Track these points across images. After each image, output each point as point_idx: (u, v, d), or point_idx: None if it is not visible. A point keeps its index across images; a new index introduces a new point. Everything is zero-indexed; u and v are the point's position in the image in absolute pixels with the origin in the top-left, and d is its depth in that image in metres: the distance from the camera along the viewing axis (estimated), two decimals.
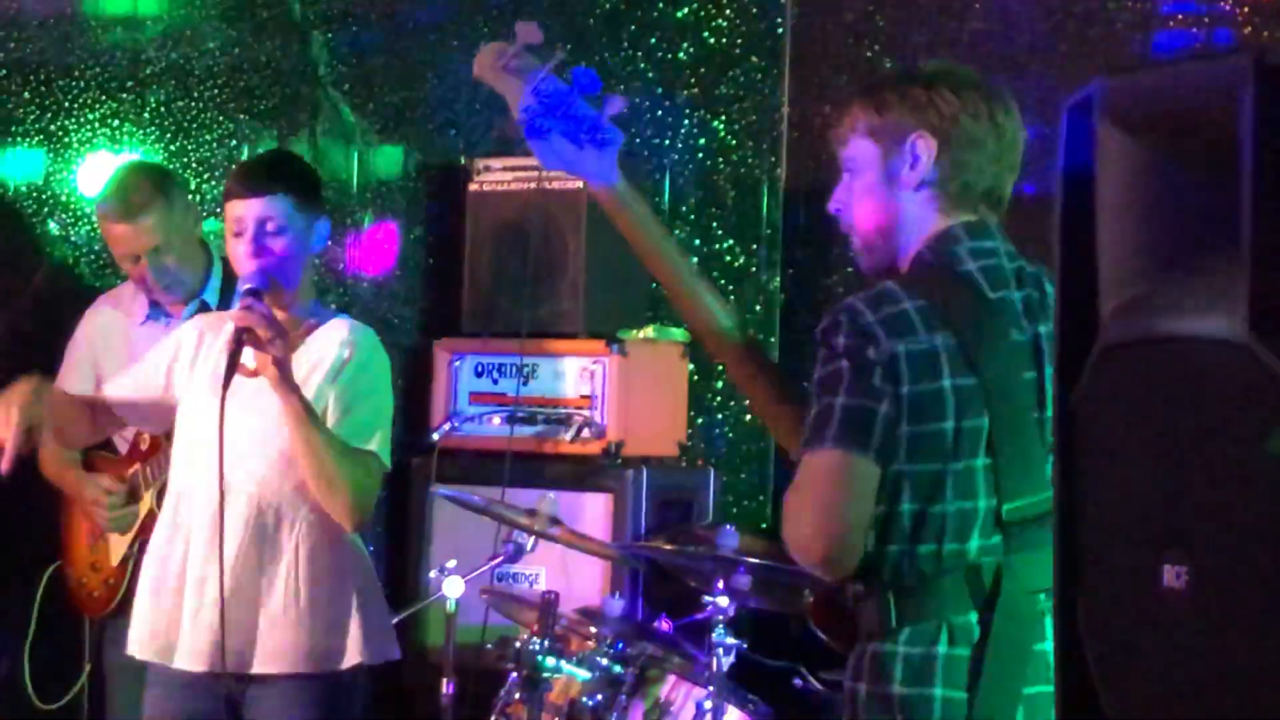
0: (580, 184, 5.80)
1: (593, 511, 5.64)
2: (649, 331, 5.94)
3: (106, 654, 4.96)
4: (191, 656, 4.15)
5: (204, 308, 4.84)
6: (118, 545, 4.90)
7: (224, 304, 4.83)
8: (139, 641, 4.24)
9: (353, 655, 4.19)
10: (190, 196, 5.60)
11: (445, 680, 4.79)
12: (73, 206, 5.81)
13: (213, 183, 5.99)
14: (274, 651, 4.15)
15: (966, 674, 3.02)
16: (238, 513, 4.15)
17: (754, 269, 6.48)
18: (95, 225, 5.78)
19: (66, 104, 5.80)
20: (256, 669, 4.15)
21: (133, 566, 4.81)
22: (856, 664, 3.13)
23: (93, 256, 5.84)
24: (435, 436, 5.72)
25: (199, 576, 4.16)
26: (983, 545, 3.05)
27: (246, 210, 4.15)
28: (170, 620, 4.18)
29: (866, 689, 3.09)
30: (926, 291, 3.08)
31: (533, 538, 4.99)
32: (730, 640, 4.52)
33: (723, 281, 6.45)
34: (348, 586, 4.21)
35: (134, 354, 4.85)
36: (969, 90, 3.18)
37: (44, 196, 5.80)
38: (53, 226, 5.82)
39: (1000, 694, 3.01)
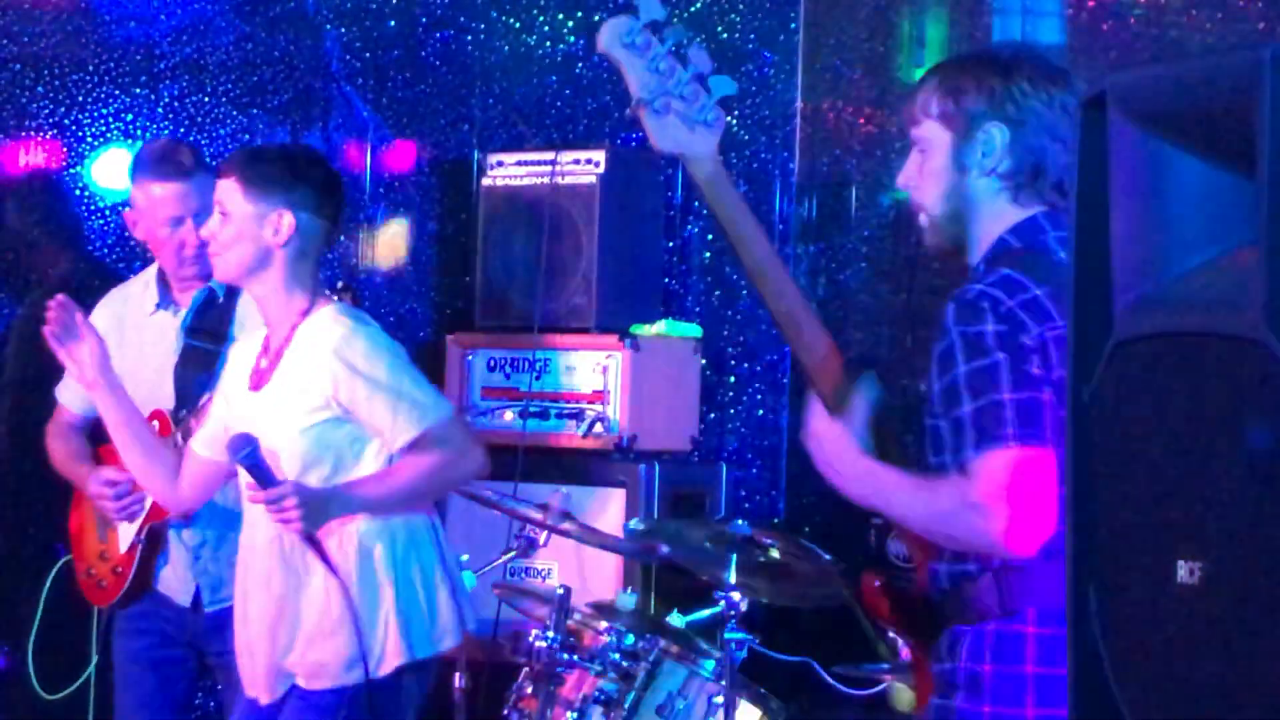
0: (593, 179, 5.81)
1: (605, 506, 5.64)
2: (661, 326, 5.94)
3: (115, 644, 4.95)
4: (252, 687, 4.26)
5: (210, 296, 4.82)
6: (125, 532, 4.89)
7: (230, 294, 4.81)
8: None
9: (391, 659, 4.15)
10: None
11: (457, 674, 4.79)
12: (86, 201, 5.81)
13: None
14: (312, 669, 4.15)
15: None
16: (266, 536, 4.16)
17: None
18: (108, 219, 5.80)
19: (80, 98, 5.80)
20: (301, 686, 4.18)
21: (141, 553, 4.79)
22: (974, 644, 3.10)
23: (105, 249, 5.84)
24: None
25: (244, 608, 4.26)
26: None
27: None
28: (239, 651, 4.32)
29: (994, 669, 3.07)
30: (1045, 278, 3.05)
31: (545, 532, 4.99)
32: (742, 635, 4.52)
33: (735, 276, 6.45)
34: (379, 595, 4.15)
35: (143, 346, 4.84)
36: (1045, 78, 3.17)
37: (57, 191, 5.81)
38: (66, 221, 5.82)
39: None
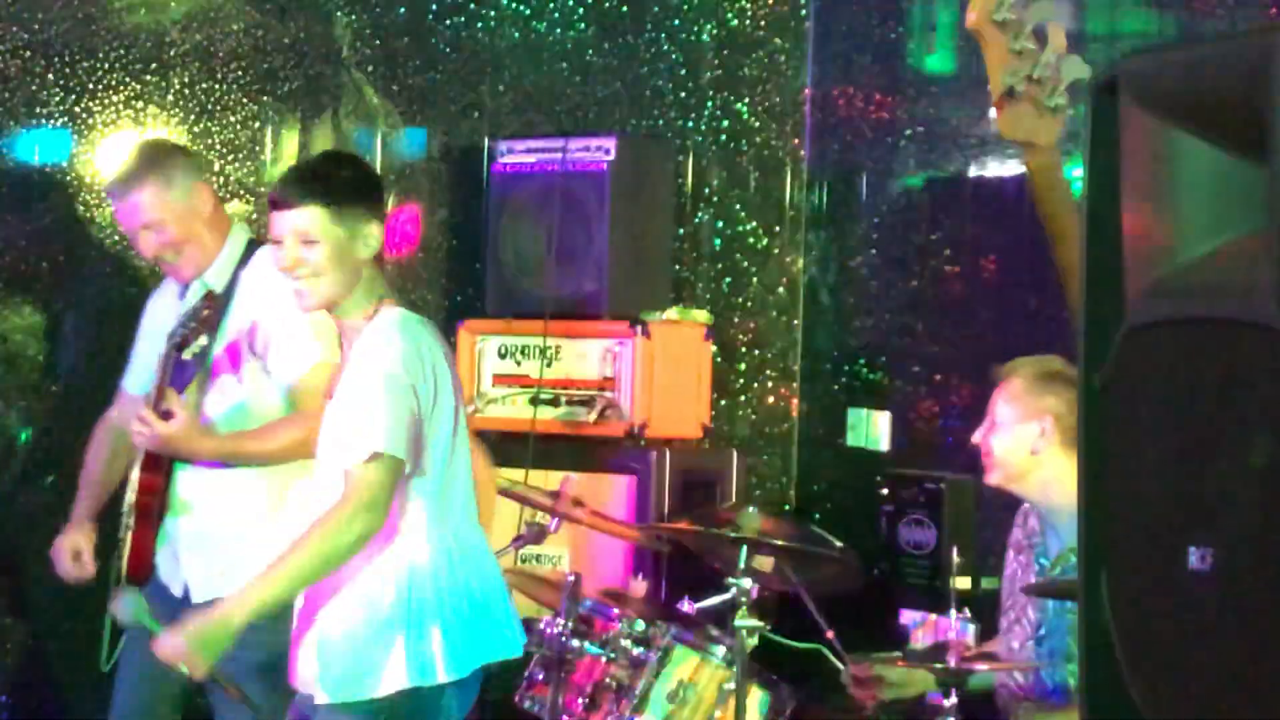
0: (605, 165, 5.81)
1: (616, 493, 5.65)
2: (672, 313, 5.94)
3: None
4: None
5: (210, 294, 4.78)
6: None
7: (230, 286, 4.78)
8: None
9: (391, 681, 4.04)
10: (210, 176, 5.59)
11: None
12: (96, 188, 5.81)
13: (236, 164, 5.99)
14: (320, 677, 4.02)
15: None
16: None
17: (777, 250, 6.47)
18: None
19: (90, 85, 5.80)
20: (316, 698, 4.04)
21: (133, 536, 4.74)
22: None
23: (116, 238, 5.85)
24: None
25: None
26: None
27: (281, 223, 4.05)
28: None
29: None
30: None
31: (556, 519, 4.99)
32: (753, 622, 4.52)
33: (745, 263, 6.45)
34: (380, 613, 4.04)
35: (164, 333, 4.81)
36: None
37: (68, 178, 5.81)
38: (77, 208, 5.82)
39: None
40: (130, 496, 4.77)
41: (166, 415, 4.55)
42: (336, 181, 4.12)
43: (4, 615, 5.84)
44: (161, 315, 4.87)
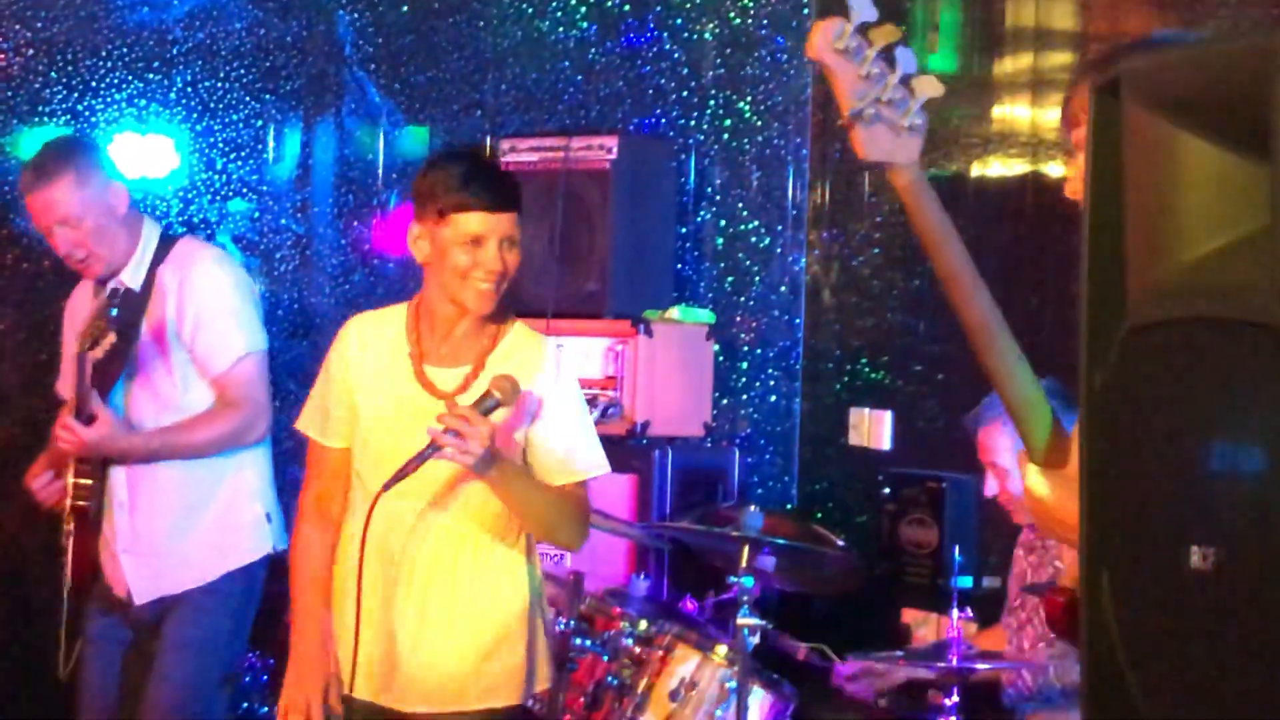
0: (607, 164, 5.81)
1: (618, 491, 5.65)
2: (674, 312, 5.95)
3: (87, 623, 4.89)
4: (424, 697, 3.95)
5: (125, 292, 4.69)
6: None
7: (148, 283, 4.72)
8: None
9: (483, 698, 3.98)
10: (209, 174, 5.59)
11: None
12: None
13: (239, 162, 5.99)
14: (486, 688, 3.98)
15: None
16: (437, 538, 3.95)
17: (779, 249, 6.47)
18: None
19: (93, 83, 5.81)
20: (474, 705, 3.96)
21: (74, 540, 4.74)
22: None
23: None
24: None
25: (416, 607, 3.94)
26: None
27: (488, 224, 3.88)
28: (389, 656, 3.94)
29: None
30: None
31: None
32: (755, 620, 4.53)
33: (748, 262, 6.45)
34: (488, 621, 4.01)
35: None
36: None
37: None
38: None
39: None
40: (67, 502, 4.76)
41: (90, 420, 4.55)
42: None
43: None
44: (80, 317, 4.84)
